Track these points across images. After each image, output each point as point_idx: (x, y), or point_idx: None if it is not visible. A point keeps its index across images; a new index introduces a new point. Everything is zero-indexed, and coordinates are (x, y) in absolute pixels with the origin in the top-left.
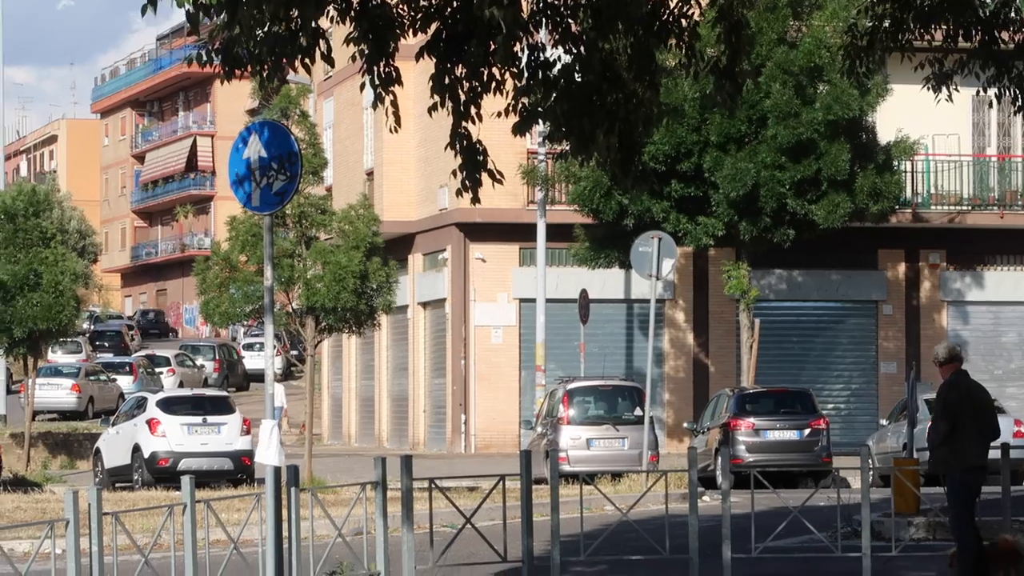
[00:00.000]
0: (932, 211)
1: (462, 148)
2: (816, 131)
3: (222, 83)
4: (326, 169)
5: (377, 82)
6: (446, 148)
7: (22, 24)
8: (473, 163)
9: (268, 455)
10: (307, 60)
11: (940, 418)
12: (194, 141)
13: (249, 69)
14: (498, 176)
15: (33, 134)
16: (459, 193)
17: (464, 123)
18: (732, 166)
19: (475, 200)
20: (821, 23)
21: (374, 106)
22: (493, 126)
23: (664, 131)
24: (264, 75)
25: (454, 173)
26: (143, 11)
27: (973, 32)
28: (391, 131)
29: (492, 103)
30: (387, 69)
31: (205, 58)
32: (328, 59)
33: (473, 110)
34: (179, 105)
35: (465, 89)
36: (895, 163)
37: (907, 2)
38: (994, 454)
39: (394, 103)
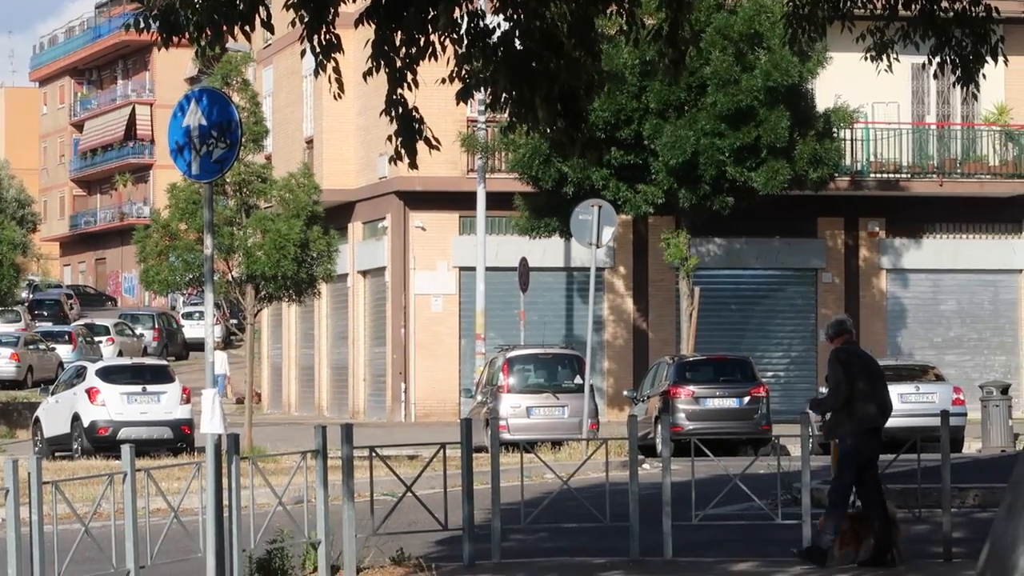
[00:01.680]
0: (871, 179)
1: (398, 115)
2: (756, 98)
3: (159, 50)
4: (266, 137)
5: (318, 49)
6: (381, 115)
7: None
8: (408, 130)
9: (212, 424)
10: (247, 27)
11: (833, 383)
12: (133, 109)
13: (187, 36)
14: (435, 143)
15: None
16: (393, 160)
17: (400, 89)
18: (672, 134)
19: (412, 166)
20: None
21: (315, 74)
22: (433, 93)
23: (604, 98)
24: (204, 43)
25: (389, 139)
26: None
27: (913, 1)
28: (335, 98)
29: (433, 70)
30: (327, 36)
31: (143, 24)
32: (268, 26)
33: (409, 76)
34: (118, 73)
35: (401, 55)
36: (834, 131)
37: None
38: (932, 422)
39: (336, 69)
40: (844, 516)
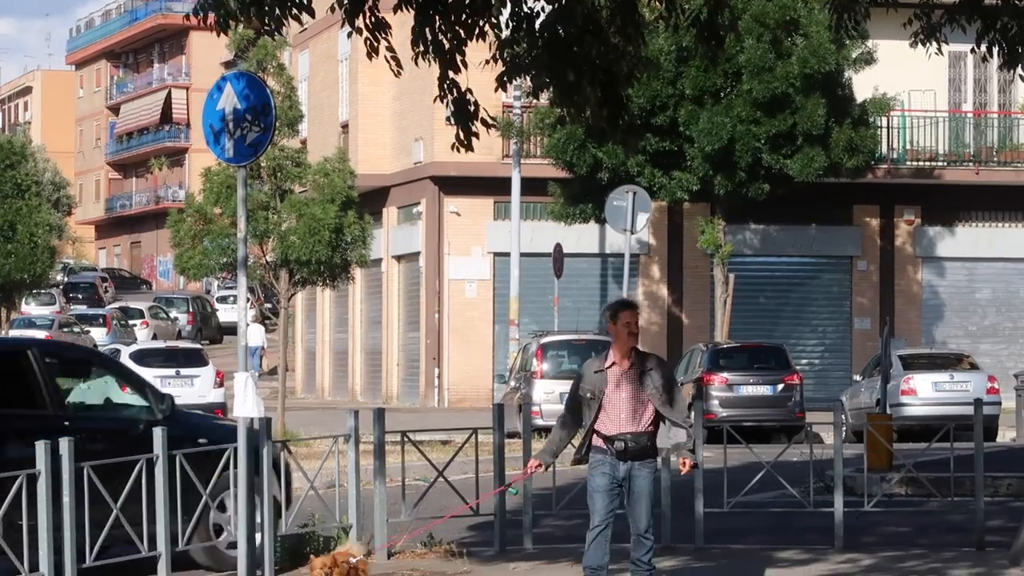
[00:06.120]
0: (908, 167)
1: (453, 99)
2: (792, 85)
3: (219, 35)
4: (301, 122)
5: (365, 32)
6: (435, 100)
7: None
8: (463, 112)
9: (245, 408)
10: (294, 9)
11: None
12: (169, 93)
13: (247, 21)
14: (492, 122)
15: (7, 85)
16: (455, 147)
17: (451, 73)
18: (708, 120)
19: (469, 148)
20: None
21: (369, 57)
22: (469, 79)
23: (640, 85)
24: (265, 26)
25: (448, 120)
26: None
27: None
28: (395, 75)
29: (473, 55)
30: (372, 18)
31: (200, 13)
32: (309, 10)
33: (459, 58)
34: (154, 57)
35: (449, 38)
36: (871, 119)
37: None
38: (966, 410)
39: (390, 48)
40: None
